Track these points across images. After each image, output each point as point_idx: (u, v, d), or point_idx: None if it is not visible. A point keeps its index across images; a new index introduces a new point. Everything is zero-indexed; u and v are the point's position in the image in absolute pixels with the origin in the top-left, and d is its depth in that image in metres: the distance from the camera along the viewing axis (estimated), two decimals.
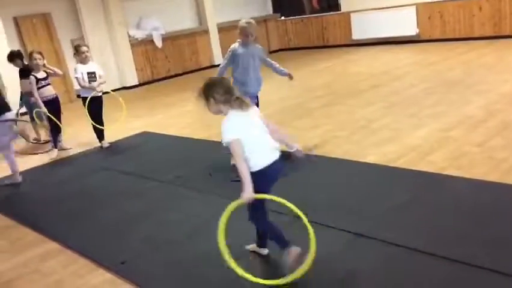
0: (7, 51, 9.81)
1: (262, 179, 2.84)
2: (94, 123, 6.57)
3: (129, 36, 12.09)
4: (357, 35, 12.86)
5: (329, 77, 9.44)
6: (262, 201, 2.88)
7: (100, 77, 6.51)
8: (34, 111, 6.62)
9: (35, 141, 7.47)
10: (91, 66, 6.50)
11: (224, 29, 13.67)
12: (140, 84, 12.24)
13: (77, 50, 6.47)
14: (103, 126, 6.69)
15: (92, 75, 6.43)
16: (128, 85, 12.03)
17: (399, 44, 11.93)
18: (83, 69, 6.41)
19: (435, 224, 3.30)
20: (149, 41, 12.37)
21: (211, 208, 3.78)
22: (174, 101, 9.45)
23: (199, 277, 3.12)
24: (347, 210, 3.70)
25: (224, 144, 2.82)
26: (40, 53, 6.47)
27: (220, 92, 2.83)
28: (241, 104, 2.85)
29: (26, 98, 7.09)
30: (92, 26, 11.59)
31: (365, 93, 7.49)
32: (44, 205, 4.89)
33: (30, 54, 6.46)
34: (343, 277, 2.88)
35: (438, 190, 3.81)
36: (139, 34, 12.23)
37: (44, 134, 7.52)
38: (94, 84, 6.41)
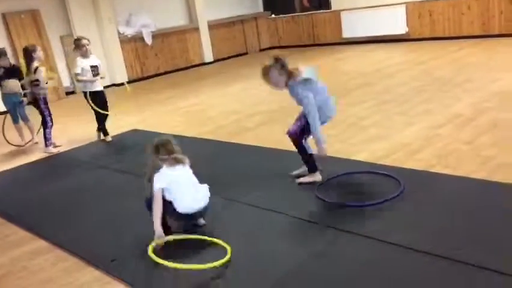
0: None
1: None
2: (98, 111, 6.50)
3: (119, 33, 12.03)
4: (347, 33, 12.89)
5: (319, 75, 9.44)
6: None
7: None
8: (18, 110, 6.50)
9: (20, 146, 7.27)
10: (92, 60, 6.42)
11: (214, 27, 13.65)
12: (129, 82, 12.16)
13: (77, 44, 6.35)
14: (106, 120, 6.65)
15: (94, 69, 6.38)
16: (117, 82, 11.97)
17: (389, 42, 11.99)
18: (84, 64, 6.33)
19: (423, 221, 3.32)
20: (139, 38, 12.31)
21: None
22: (164, 98, 9.42)
23: (188, 276, 3.10)
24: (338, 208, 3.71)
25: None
26: None
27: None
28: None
29: (9, 98, 6.84)
30: (81, 23, 11.51)
31: (355, 92, 7.52)
32: (33, 203, 4.84)
33: (33, 51, 6.29)
34: (338, 276, 2.89)
35: (427, 187, 3.83)
36: (129, 31, 12.17)
37: (27, 135, 7.34)
38: (97, 77, 6.39)
